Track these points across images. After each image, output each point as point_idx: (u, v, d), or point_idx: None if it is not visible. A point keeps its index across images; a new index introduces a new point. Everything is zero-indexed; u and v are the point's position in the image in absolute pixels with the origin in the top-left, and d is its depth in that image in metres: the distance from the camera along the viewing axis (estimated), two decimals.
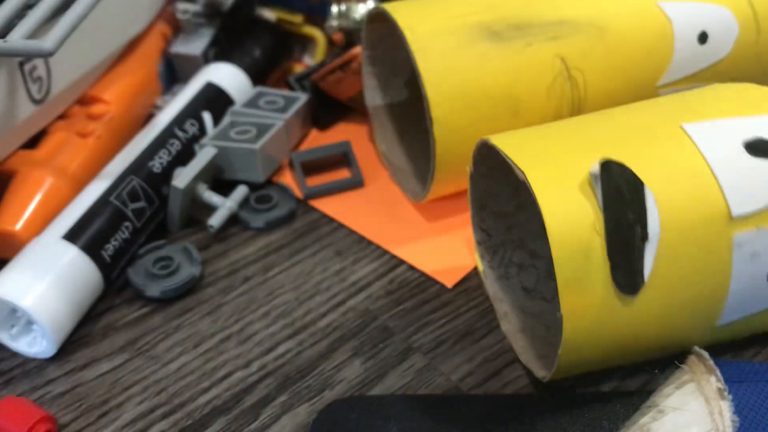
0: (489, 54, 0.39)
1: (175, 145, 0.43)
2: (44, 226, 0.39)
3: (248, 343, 0.38)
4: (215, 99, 0.47)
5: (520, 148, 0.32)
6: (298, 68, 0.53)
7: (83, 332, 0.38)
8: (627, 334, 0.31)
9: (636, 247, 0.30)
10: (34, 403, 0.34)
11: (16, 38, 0.35)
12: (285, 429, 0.34)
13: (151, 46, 0.50)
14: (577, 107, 0.40)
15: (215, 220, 0.42)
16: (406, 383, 0.35)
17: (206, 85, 0.47)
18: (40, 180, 0.40)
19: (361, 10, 0.50)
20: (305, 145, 0.49)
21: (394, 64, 0.46)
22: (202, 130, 0.45)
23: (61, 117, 0.44)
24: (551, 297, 0.37)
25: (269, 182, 0.46)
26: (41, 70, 0.41)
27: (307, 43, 0.54)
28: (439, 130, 0.39)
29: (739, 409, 0.30)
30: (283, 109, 0.47)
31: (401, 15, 0.40)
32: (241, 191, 0.43)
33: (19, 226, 0.39)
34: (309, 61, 0.54)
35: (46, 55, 0.35)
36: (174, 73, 0.51)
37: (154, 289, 0.39)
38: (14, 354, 0.37)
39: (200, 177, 0.43)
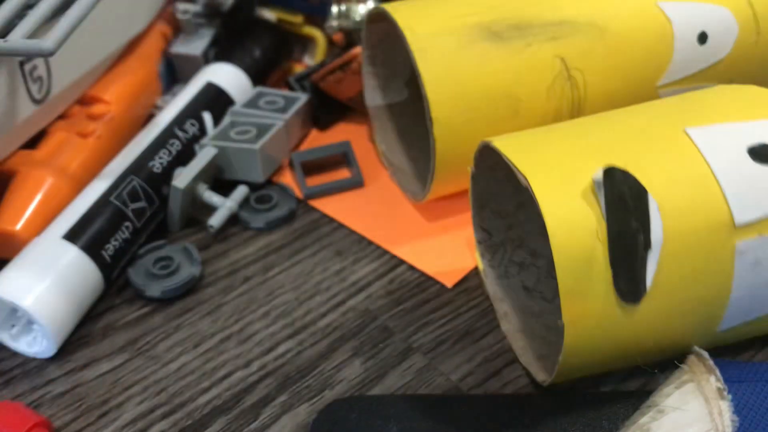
0: (489, 54, 0.39)
1: (176, 145, 0.43)
2: (44, 226, 0.39)
3: (248, 343, 0.38)
4: (215, 99, 0.47)
5: (523, 153, 0.32)
6: (298, 68, 0.53)
7: (83, 332, 0.38)
8: (627, 341, 0.31)
9: (638, 255, 0.29)
10: (30, 408, 0.34)
11: (17, 38, 0.35)
12: (285, 429, 0.34)
13: (152, 46, 0.50)
14: (577, 107, 0.40)
15: (215, 220, 0.42)
16: (406, 383, 0.35)
17: (206, 85, 0.47)
18: (40, 180, 0.40)
19: (361, 11, 0.50)
20: (305, 145, 0.49)
21: (394, 64, 0.46)
22: (203, 130, 0.45)
23: (62, 117, 0.44)
24: (552, 296, 0.37)
25: (269, 182, 0.46)
26: (41, 70, 0.41)
27: (307, 43, 0.54)
28: (439, 130, 0.39)
29: (738, 409, 0.30)
30: (283, 109, 0.47)
31: (401, 15, 0.40)
32: (241, 191, 0.44)
33: (19, 226, 0.39)
34: (309, 61, 0.54)
35: (47, 55, 0.35)
36: (174, 73, 0.51)
37: (154, 289, 0.39)
38: (14, 354, 0.37)
39: (200, 177, 0.43)
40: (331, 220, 0.44)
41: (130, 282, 0.40)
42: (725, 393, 0.30)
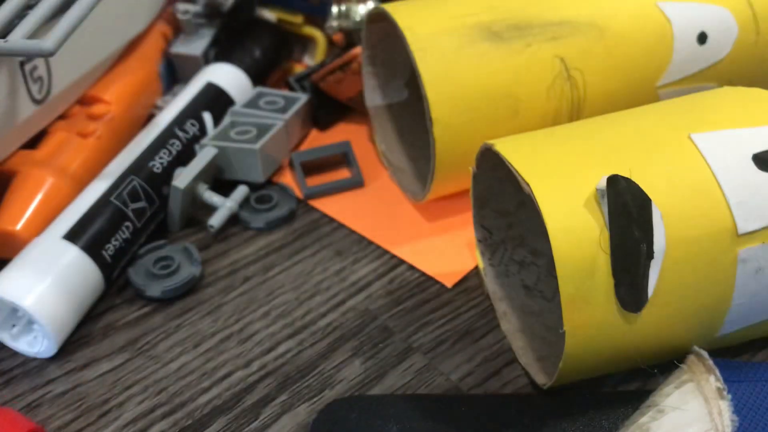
0: (489, 54, 0.39)
1: (176, 146, 0.44)
2: (45, 226, 0.39)
3: (248, 342, 0.38)
4: (215, 99, 0.47)
5: (526, 158, 0.31)
6: (299, 68, 0.53)
7: (84, 332, 0.38)
8: (628, 347, 0.31)
9: (641, 264, 0.29)
10: (21, 413, 0.34)
11: (17, 38, 0.35)
12: (285, 428, 0.34)
13: (152, 47, 0.50)
14: (576, 107, 0.40)
15: (215, 220, 0.42)
16: (406, 383, 0.35)
17: (206, 85, 0.47)
18: (40, 180, 0.40)
19: (361, 11, 0.50)
20: (305, 145, 0.49)
21: (394, 64, 0.46)
22: (203, 131, 0.45)
23: (62, 117, 0.44)
24: (552, 295, 0.37)
25: (269, 182, 0.46)
26: (42, 70, 0.41)
27: (307, 43, 0.54)
28: (439, 131, 0.39)
29: (738, 409, 0.30)
30: (284, 110, 0.47)
31: (401, 15, 0.40)
32: (241, 191, 0.44)
33: (19, 226, 0.39)
34: (309, 61, 0.54)
35: (47, 55, 0.35)
36: (174, 73, 0.51)
37: (154, 289, 0.39)
38: (15, 353, 0.37)
39: (200, 177, 0.43)
40: (331, 220, 0.44)
41: (131, 282, 0.40)
42: (725, 393, 0.30)
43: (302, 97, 0.48)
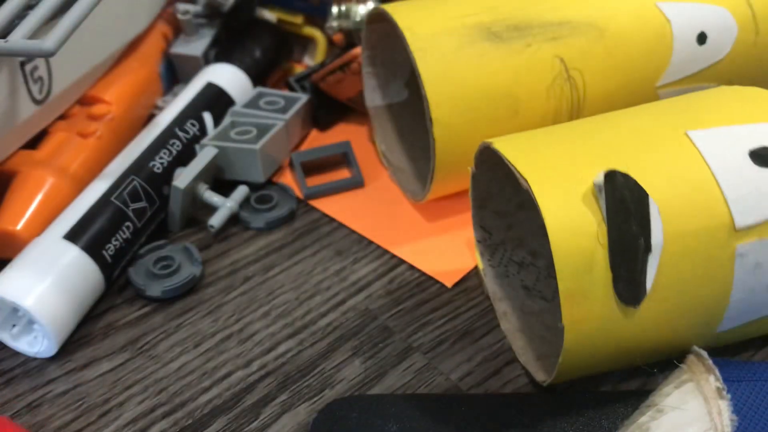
0: (489, 54, 0.39)
1: (176, 146, 0.44)
2: (45, 226, 0.39)
3: (248, 342, 0.38)
4: (216, 99, 0.47)
5: (523, 155, 0.32)
6: (299, 69, 0.53)
7: (84, 332, 0.38)
8: (627, 343, 0.31)
9: (639, 258, 0.29)
10: (15, 423, 0.34)
11: (17, 38, 0.35)
12: (285, 428, 0.34)
13: (152, 47, 0.50)
14: (576, 107, 0.40)
15: (216, 220, 0.42)
16: (406, 383, 0.35)
17: (207, 85, 0.47)
18: (41, 180, 0.40)
19: (361, 11, 0.50)
20: (305, 146, 0.49)
21: (394, 64, 0.46)
22: (203, 131, 0.45)
23: (62, 117, 0.44)
24: (551, 296, 0.37)
25: (269, 182, 0.46)
26: (42, 71, 0.41)
27: (307, 43, 0.54)
28: (439, 131, 0.39)
29: (737, 409, 0.30)
30: (284, 110, 0.47)
31: (401, 16, 0.40)
32: (241, 191, 0.44)
33: (20, 226, 0.39)
34: (309, 61, 0.54)
35: (47, 55, 0.35)
36: (175, 73, 0.51)
37: (154, 289, 0.39)
38: (15, 353, 0.37)
39: (201, 177, 0.43)
40: (331, 220, 0.44)
41: (131, 282, 0.40)
42: (724, 392, 0.30)
43: (302, 98, 0.48)
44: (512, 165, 0.31)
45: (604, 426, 0.32)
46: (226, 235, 0.43)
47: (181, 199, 0.42)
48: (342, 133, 0.50)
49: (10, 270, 0.37)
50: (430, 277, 0.40)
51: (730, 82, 0.42)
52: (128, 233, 0.40)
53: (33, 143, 0.42)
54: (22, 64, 0.39)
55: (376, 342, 0.37)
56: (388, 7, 0.41)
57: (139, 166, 0.42)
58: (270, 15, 0.53)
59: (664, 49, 0.41)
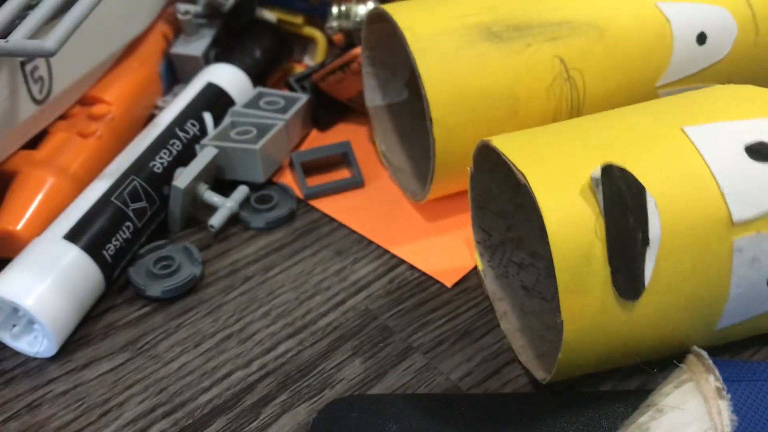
0: (488, 55, 0.39)
1: (176, 146, 0.44)
2: (45, 226, 0.39)
3: (249, 342, 0.38)
4: (216, 99, 0.47)
5: (521, 151, 0.32)
6: (299, 69, 0.53)
7: (84, 332, 0.38)
8: (626, 338, 0.31)
9: (637, 252, 0.30)
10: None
11: (18, 38, 0.35)
12: (285, 428, 0.34)
13: (152, 47, 0.50)
14: (576, 107, 0.41)
15: (216, 220, 0.42)
16: (406, 382, 0.35)
17: (207, 85, 0.47)
18: (41, 180, 0.40)
19: (361, 11, 0.50)
20: (305, 146, 0.49)
21: (394, 64, 0.46)
22: (203, 131, 0.45)
23: (62, 117, 0.44)
24: (551, 296, 0.37)
25: (270, 182, 0.46)
26: (43, 71, 0.41)
27: (307, 43, 0.54)
28: (439, 131, 0.39)
29: (737, 409, 0.30)
30: (284, 110, 0.47)
31: (401, 16, 0.40)
32: (241, 191, 0.44)
33: (20, 226, 0.39)
34: (309, 61, 0.54)
35: (48, 55, 0.35)
36: (175, 73, 0.51)
37: (154, 289, 0.39)
38: (15, 353, 0.37)
39: (201, 177, 0.43)
40: (331, 220, 0.44)
41: (131, 282, 0.40)
42: (724, 392, 0.30)
43: (302, 98, 0.48)
44: (509, 160, 0.31)
45: (604, 426, 0.32)
46: (226, 235, 0.43)
47: (181, 199, 0.42)
48: (342, 133, 0.50)
49: (11, 270, 0.37)
50: (430, 277, 0.40)
51: (729, 82, 0.42)
52: (128, 233, 0.40)
53: (33, 143, 0.42)
54: (23, 64, 0.39)
55: (376, 342, 0.37)
56: (388, 7, 0.41)
57: (139, 166, 0.42)
58: (270, 15, 0.53)
59: (664, 49, 0.41)
